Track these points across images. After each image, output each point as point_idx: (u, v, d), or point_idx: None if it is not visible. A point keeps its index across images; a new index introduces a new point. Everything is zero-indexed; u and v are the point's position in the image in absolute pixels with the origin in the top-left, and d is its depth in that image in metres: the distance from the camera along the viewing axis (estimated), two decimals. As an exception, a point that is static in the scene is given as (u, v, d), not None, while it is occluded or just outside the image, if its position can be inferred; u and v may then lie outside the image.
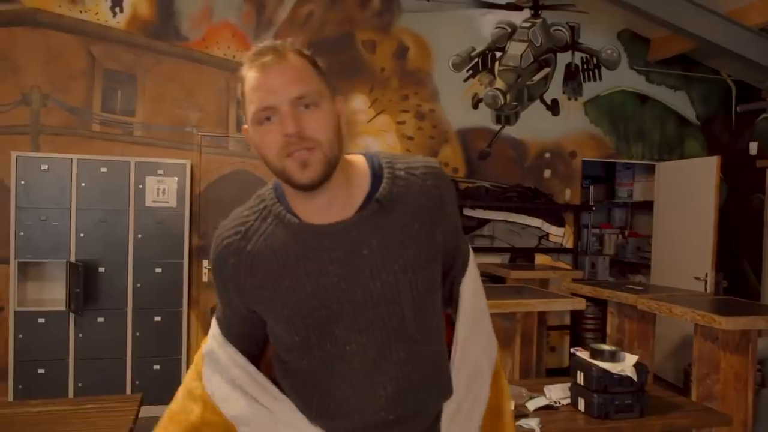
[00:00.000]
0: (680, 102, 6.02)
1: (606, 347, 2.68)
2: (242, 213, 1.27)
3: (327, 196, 1.17)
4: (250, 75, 1.13)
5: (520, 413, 2.52)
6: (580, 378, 2.63)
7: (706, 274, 5.28)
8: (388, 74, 5.33)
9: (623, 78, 5.84)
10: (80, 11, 4.70)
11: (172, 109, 4.89)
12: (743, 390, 3.30)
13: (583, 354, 2.71)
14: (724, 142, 6.08)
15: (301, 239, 1.18)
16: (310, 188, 1.13)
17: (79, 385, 4.45)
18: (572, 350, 2.78)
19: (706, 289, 5.25)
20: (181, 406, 1.35)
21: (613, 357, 2.61)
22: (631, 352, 3.82)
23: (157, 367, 4.62)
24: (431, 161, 1.30)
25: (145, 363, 4.58)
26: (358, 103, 5.26)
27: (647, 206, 6.57)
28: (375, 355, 1.19)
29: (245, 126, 1.19)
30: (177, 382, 4.64)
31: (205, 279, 4.98)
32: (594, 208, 7.05)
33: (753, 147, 6.05)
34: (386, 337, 1.19)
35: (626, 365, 2.57)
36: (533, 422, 2.42)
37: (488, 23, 5.50)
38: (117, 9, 4.76)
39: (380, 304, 1.18)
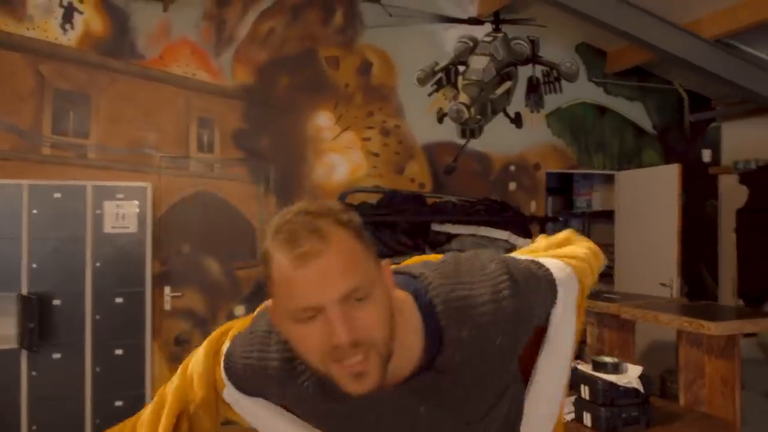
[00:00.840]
0: (637, 113, 6.15)
1: (608, 359, 2.64)
2: (264, 356, 1.09)
3: None
4: (283, 262, 0.89)
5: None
6: (585, 392, 2.57)
7: (672, 280, 5.36)
8: (352, 90, 5.24)
9: (583, 90, 5.93)
10: (27, 28, 4.44)
11: (129, 130, 4.66)
12: (730, 394, 3.32)
13: (584, 367, 2.66)
14: (678, 151, 6.24)
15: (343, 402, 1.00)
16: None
17: (34, 428, 4.12)
18: (573, 364, 2.72)
19: (671, 295, 5.32)
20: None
21: (616, 369, 2.57)
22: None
23: (119, 403, 4.33)
24: (503, 296, 1.03)
25: (106, 400, 4.29)
26: (323, 120, 5.15)
27: (606, 215, 6.67)
28: None
29: (268, 303, 0.99)
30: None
31: (167, 307, 4.74)
32: (561, 219, 7.12)
33: (706, 155, 6.23)
34: None
35: (631, 376, 2.53)
36: (545, 441, 2.33)
37: (451, 38, 5.49)
38: (68, 26, 4.52)
39: None
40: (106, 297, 4.30)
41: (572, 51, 5.91)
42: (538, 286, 1.13)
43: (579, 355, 6.04)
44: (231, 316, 4.70)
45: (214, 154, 4.89)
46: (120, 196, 4.34)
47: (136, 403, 4.34)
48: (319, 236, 0.88)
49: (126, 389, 4.36)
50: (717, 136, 6.33)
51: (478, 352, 1.02)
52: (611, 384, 2.48)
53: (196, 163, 4.86)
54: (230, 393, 1.19)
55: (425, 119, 5.44)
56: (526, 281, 1.08)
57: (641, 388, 2.48)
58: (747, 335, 4.07)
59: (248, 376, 1.12)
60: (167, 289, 4.75)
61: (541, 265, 1.17)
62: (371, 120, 5.30)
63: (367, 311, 0.90)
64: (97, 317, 4.27)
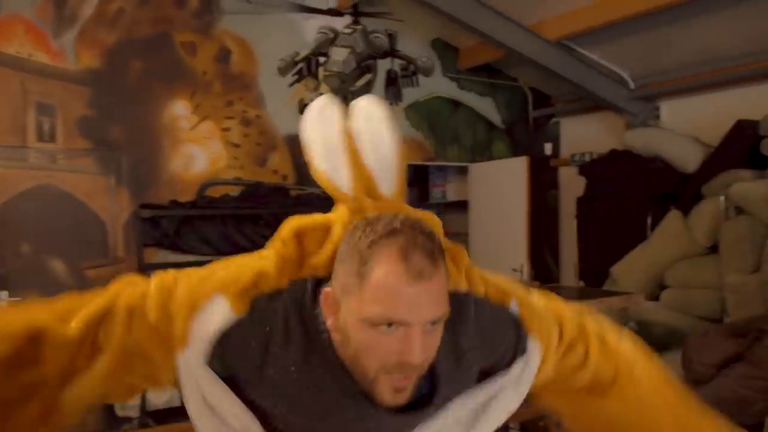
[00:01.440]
0: (487, 107, 6.49)
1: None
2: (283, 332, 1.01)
3: None
4: (393, 271, 0.90)
5: None
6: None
7: (522, 265, 5.75)
8: (210, 78, 5.02)
9: (438, 85, 6.15)
10: None
11: (-48, 115, 4.12)
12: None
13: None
14: (524, 144, 6.68)
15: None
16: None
17: None
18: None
19: (522, 279, 5.71)
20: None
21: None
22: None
23: None
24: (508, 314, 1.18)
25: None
26: (179, 109, 4.89)
27: (460, 205, 6.99)
28: None
29: (328, 290, 0.98)
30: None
31: (5, 313, 4.26)
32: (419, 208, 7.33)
33: (548, 148, 6.73)
34: None
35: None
36: None
37: (311, 28, 5.43)
38: None
39: None
40: (-72, 305, 3.78)
41: (428, 46, 6.10)
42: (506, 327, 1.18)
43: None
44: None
45: (56, 144, 4.46)
46: (-56, 190, 3.83)
47: None
48: (432, 260, 0.92)
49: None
50: (557, 131, 6.85)
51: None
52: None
53: (36, 154, 4.41)
54: (192, 358, 0.99)
55: (287, 110, 5.35)
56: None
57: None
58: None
59: (241, 347, 0.99)
60: (4, 294, 4.27)
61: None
62: (231, 110, 5.12)
63: (434, 337, 0.96)
64: None
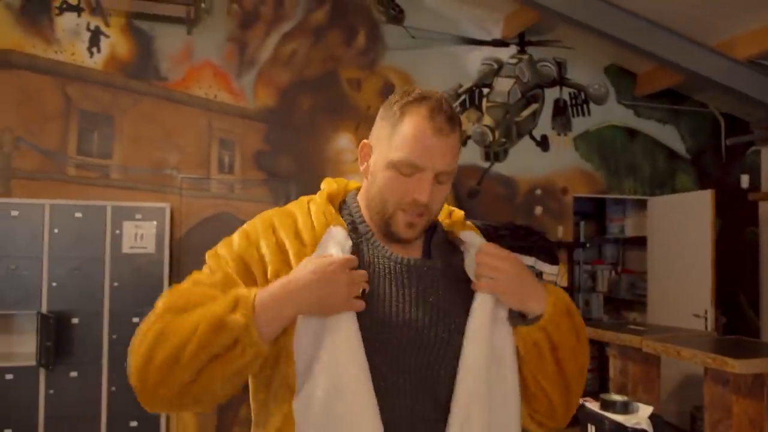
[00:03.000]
0: (669, 136, 5.95)
1: (617, 397, 2.50)
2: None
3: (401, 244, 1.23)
4: (423, 124, 1.14)
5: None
6: (592, 431, 2.43)
7: (706, 311, 5.13)
8: (373, 112, 5.17)
9: (612, 113, 5.78)
10: (55, 51, 4.55)
11: (151, 150, 4.72)
12: (759, 436, 3.12)
13: (592, 405, 2.52)
14: (714, 176, 6.00)
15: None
16: (402, 242, 1.21)
17: (50, 445, 4.16)
18: (581, 400, 2.59)
19: (706, 327, 5.09)
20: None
21: (625, 408, 2.43)
22: (636, 396, 3.63)
23: (134, 424, 4.33)
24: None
25: (121, 420, 4.29)
26: (344, 142, 5.12)
27: (639, 242, 6.45)
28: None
29: (366, 141, 1.24)
30: (155, 440, 4.35)
31: (185, 328, 4.73)
32: (588, 245, 6.92)
33: (744, 180, 5.98)
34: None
35: (641, 417, 2.38)
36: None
37: (474, 60, 5.43)
38: (94, 49, 4.62)
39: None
40: (123, 316, 4.32)
41: (601, 73, 5.76)
42: None
43: (600, 389, 5.82)
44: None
45: (234, 175, 4.91)
46: (139, 216, 4.37)
47: (150, 423, 4.34)
48: (453, 122, 1.16)
49: (141, 409, 4.28)
50: (756, 161, 6.07)
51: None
52: (619, 425, 2.34)
53: (217, 184, 4.88)
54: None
55: (448, 142, 5.36)
56: None
57: (651, 429, 2.33)
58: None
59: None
60: (185, 310, 4.75)
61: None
62: (393, 142, 5.25)
63: (442, 190, 1.19)
64: (114, 336, 4.29)
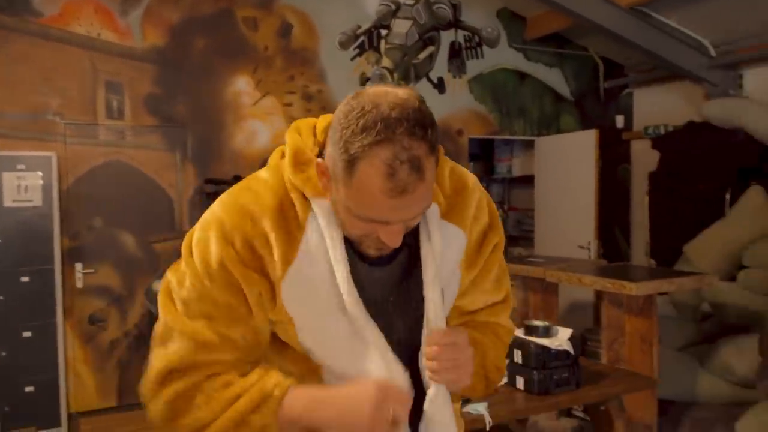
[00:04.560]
0: (555, 79, 6.25)
1: (539, 323, 2.67)
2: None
3: None
4: (376, 183, 0.92)
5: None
6: (518, 356, 2.60)
7: (589, 243, 5.55)
8: (272, 53, 5.03)
9: (504, 56, 5.96)
10: None
11: (28, 95, 4.30)
12: (649, 351, 3.46)
13: (517, 331, 2.68)
14: (594, 117, 6.41)
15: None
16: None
17: (-66, 418, 3.83)
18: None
19: (589, 257, 5.52)
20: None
21: (547, 332, 2.61)
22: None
23: (30, 389, 4.07)
24: None
25: (15, 385, 4.02)
26: (242, 84, 4.93)
27: (525, 180, 6.80)
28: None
29: (320, 161, 1.01)
30: (54, 403, 4.13)
31: (80, 285, 4.46)
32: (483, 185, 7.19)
33: (619, 120, 6.43)
34: None
35: (562, 339, 2.57)
36: (481, 407, 2.35)
37: (373, 1, 5.35)
38: (-49, -22, 4.08)
39: None
40: (10, 275, 4.00)
41: (493, 16, 5.91)
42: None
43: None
44: (149, 292, 4.47)
45: (125, 121, 4.59)
46: (21, 166, 4.01)
47: (48, 387, 4.10)
48: (418, 175, 0.93)
49: (37, 373, 4.10)
50: (630, 102, 6.54)
51: None
52: (543, 347, 2.52)
53: (106, 131, 4.56)
54: None
55: (348, 84, 5.31)
56: None
57: (571, 350, 2.53)
58: (661, 294, 4.27)
59: None
60: (78, 266, 4.47)
61: None
62: (292, 84, 5.12)
63: (416, 221, 1.04)
64: (1, 297, 3.97)
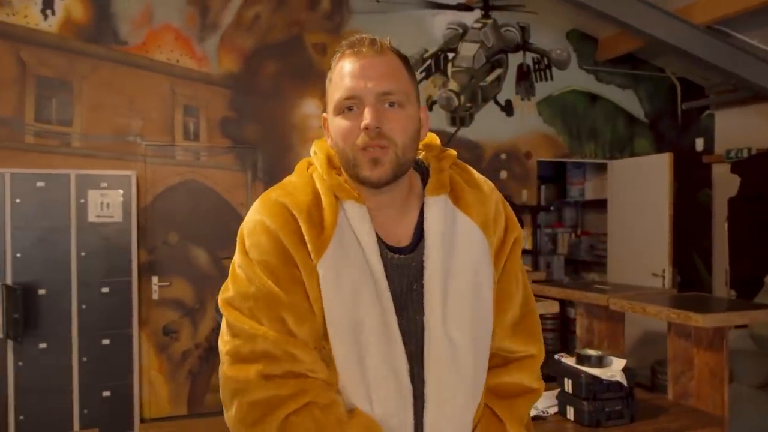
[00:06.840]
0: (629, 100, 6.09)
1: (592, 352, 2.60)
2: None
3: (389, 195, 1.17)
4: (342, 62, 1.13)
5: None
6: (568, 385, 2.53)
7: (664, 270, 5.33)
8: (340, 77, 5.16)
9: (574, 78, 5.87)
10: (7, 14, 4.35)
11: (113, 117, 4.59)
12: (719, 386, 3.29)
13: (568, 360, 2.62)
14: (671, 140, 6.19)
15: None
16: (375, 186, 1.12)
17: (21, 418, 4.10)
18: (557, 356, 2.69)
19: (663, 285, 5.30)
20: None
21: (600, 362, 2.53)
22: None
23: (107, 394, 4.31)
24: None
25: (93, 390, 4.26)
26: (310, 108, 5.08)
27: (598, 204, 6.63)
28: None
29: (325, 114, 1.19)
30: (129, 408, 4.35)
31: (155, 297, 4.69)
32: (552, 209, 7.07)
33: (699, 143, 6.18)
34: None
35: (615, 370, 2.49)
36: (526, 436, 2.30)
37: (439, 24, 5.42)
38: (48, 11, 4.44)
39: None
40: (92, 287, 4.26)
41: (563, 38, 5.83)
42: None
43: (562, 347, 6.03)
44: (218, 307, 4.65)
45: (200, 142, 4.83)
46: (104, 184, 4.28)
47: (123, 393, 4.32)
48: (376, 46, 1.12)
49: (113, 379, 4.33)
50: (710, 125, 6.28)
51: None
52: (594, 377, 2.45)
53: (182, 152, 4.80)
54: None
55: (415, 107, 5.37)
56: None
57: (625, 382, 2.45)
58: (739, 326, 4.05)
59: None
60: (154, 279, 4.70)
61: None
62: (360, 108, 5.23)
63: (395, 116, 1.11)
64: (83, 307, 4.23)
